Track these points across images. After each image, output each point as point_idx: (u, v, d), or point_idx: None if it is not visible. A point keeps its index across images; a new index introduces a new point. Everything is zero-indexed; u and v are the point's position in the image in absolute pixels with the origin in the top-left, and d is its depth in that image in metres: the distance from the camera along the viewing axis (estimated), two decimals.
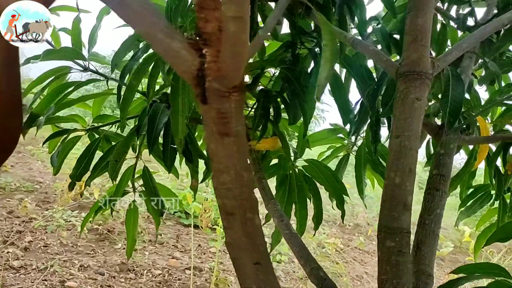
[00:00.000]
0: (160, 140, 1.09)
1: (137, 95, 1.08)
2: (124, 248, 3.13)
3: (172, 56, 0.45)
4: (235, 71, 0.43)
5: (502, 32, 0.90)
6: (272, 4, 1.07)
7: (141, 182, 1.25)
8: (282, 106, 1.15)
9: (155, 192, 1.15)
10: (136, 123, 1.05)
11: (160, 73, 0.83)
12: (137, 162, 1.20)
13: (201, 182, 1.21)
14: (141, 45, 0.83)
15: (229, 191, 0.46)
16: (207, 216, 3.70)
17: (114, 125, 1.15)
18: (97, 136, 1.14)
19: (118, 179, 1.16)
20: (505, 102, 1.02)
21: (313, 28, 1.05)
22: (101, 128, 1.15)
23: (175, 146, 1.03)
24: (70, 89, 1.02)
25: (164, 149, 1.00)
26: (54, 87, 1.00)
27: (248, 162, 0.49)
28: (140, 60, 0.79)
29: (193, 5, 0.47)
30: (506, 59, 1.02)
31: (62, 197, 3.62)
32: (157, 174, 1.45)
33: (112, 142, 1.14)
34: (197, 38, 0.46)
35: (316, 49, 1.14)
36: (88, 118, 1.21)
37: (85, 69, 1.04)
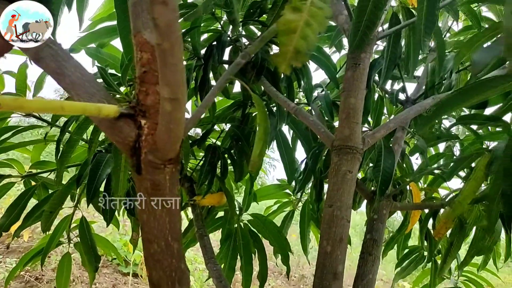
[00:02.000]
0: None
1: (81, 142, 1.06)
2: None
3: (108, 126, 0.46)
4: (170, 145, 0.44)
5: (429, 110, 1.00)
6: (226, 66, 1.12)
7: (76, 232, 1.19)
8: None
9: (92, 245, 1.10)
10: (77, 172, 1.01)
11: None
12: (74, 212, 1.15)
13: None
14: None
15: (158, 262, 0.46)
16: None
17: (53, 172, 1.11)
18: (33, 183, 1.08)
19: (52, 228, 1.10)
20: (434, 171, 1.11)
21: (263, 91, 1.11)
22: (39, 175, 1.10)
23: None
24: (9, 134, 0.98)
25: (105, 201, 0.97)
26: None
27: (180, 231, 0.50)
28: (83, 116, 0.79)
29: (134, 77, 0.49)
30: (434, 132, 1.12)
31: None
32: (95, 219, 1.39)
33: (50, 190, 1.09)
34: (135, 110, 0.48)
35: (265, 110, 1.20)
36: (27, 164, 1.16)
37: (28, 114, 1.01)
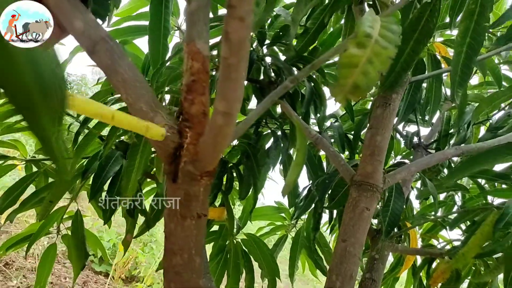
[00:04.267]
0: None
1: None
2: (19, 287, 2.77)
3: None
4: (213, 158, 0.44)
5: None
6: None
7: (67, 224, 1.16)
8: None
9: (82, 240, 1.07)
10: (84, 165, 1.00)
11: None
12: (70, 204, 1.12)
13: (135, 237, 1.15)
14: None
15: (178, 275, 0.45)
16: (123, 266, 3.43)
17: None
18: (35, 169, 1.06)
19: None
20: (437, 220, 1.12)
21: (279, 114, 1.11)
22: (42, 161, 1.07)
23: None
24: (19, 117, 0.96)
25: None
26: (5, 110, 0.94)
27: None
28: None
29: (180, 85, 0.49)
30: (440, 180, 1.13)
31: None
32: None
33: (50, 179, 1.06)
34: (180, 118, 0.48)
35: (277, 132, 1.20)
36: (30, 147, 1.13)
37: None
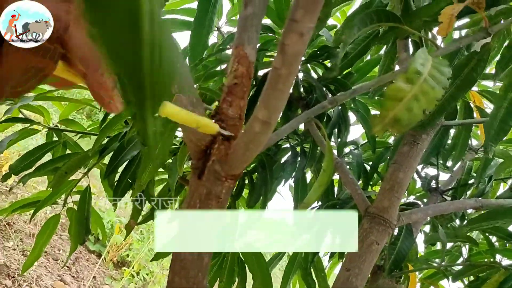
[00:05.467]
0: None
1: None
2: (14, 249, 2.80)
3: None
4: (242, 163, 0.44)
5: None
6: None
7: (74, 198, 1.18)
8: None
9: (87, 216, 1.08)
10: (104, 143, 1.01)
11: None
12: (81, 179, 1.13)
13: (138, 224, 1.15)
14: None
15: (184, 270, 0.45)
16: (116, 250, 3.45)
17: (77, 134, 1.11)
18: (55, 138, 1.08)
19: None
20: (440, 268, 1.09)
21: (302, 131, 1.11)
22: (64, 132, 1.09)
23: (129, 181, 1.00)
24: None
25: (119, 181, 0.96)
26: None
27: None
28: None
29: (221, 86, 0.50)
30: (451, 229, 1.11)
31: None
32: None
33: (68, 151, 1.08)
34: (214, 117, 0.48)
35: (296, 148, 1.20)
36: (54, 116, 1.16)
37: None
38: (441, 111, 0.69)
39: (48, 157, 1.07)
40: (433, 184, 1.12)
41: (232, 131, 0.46)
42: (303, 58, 1.14)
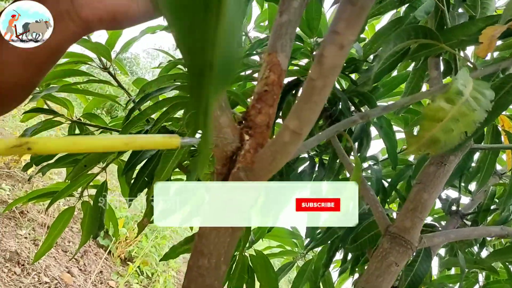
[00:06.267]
0: None
1: None
2: (26, 238, 2.84)
3: (214, 126, 0.45)
4: (267, 172, 0.43)
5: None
6: None
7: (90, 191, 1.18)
8: None
9: (102, 211, 1.08)
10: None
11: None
12: (99, 173, 1.14)
13: (151, 222, 1.15)
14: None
15: (201, 277, 0.44)
16: (125, 246, 3.47)
17: (99, 129, 1.12)
18: (77, 131, 1.09)
19: None
20: None
21: (324, 143, 1.09)
22: (86, 125, 1.10)
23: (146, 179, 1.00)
24: (79, 79, 1.00)
25: (136, 179, 0.96)
26: (67, 68, 0.97)
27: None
28: (165, 95, 0.80)
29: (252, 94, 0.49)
30: (469, 254, 1.08)
31: None
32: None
33: None
34: (243, 123, 0.47)
35: (315, 158, 1.18)
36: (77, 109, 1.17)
37: (105, 68, 1.03)
38: (473, 133, 0.66)
39: None
40: (454, 207, 1.08)
41: (259, 139, 0.45)
42: None
